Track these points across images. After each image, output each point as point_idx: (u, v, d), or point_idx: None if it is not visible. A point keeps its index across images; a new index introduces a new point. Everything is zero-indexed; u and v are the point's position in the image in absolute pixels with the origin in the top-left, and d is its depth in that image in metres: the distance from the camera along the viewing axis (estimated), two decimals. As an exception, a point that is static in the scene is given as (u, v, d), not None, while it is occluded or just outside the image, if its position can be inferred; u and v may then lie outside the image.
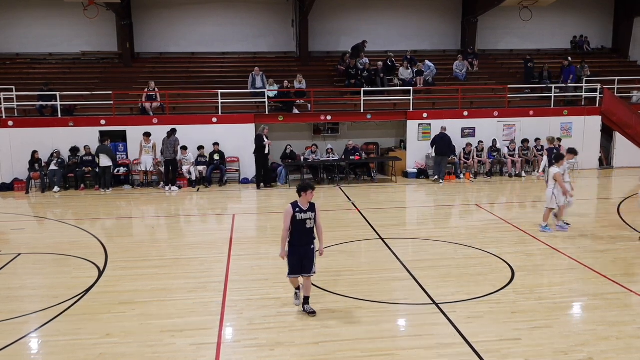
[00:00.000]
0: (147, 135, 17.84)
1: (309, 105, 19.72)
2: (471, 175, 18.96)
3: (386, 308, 8.09)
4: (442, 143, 18.22)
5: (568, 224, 12.49)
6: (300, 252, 7.61)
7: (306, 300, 7.84)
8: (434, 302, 8.19)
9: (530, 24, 24.50)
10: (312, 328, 7.40)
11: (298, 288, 8.00)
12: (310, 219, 7.58)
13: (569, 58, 22.95)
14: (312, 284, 8.14)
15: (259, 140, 17.65)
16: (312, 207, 7.62)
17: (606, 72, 22.99)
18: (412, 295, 8.53)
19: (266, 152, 17.66)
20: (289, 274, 7.77)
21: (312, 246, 7.68)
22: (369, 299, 8.35)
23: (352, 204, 15.21)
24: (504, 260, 10.12)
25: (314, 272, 7.78)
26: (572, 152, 12.88)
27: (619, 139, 20.48)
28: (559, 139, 18.17)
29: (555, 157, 12.31)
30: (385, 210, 14.57)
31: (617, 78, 22.11)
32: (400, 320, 7.86)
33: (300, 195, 7.60)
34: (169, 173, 17.63)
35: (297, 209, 7.53)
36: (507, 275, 9.38)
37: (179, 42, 23.94)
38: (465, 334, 7.14)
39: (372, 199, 15.94)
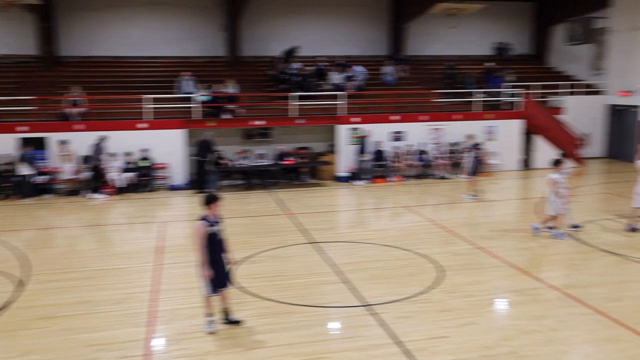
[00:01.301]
0: (63, 142, 17.24)
1: (241, 111, 19.57)
2: (400, 178, 19.33)
3: (318, 312, 8.12)
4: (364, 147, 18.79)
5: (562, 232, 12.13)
6: (220, 266, 7.38)
7: (228, 311, 7.67)
8: (365, 304, 8.28)
9: (455, 30, 25.28)
10: (243, 335, 7.33)
11: (212, 314, 7.47)
12: (220, 230, 7.40)
13: (493, 63, 23.83)
14: (241, 293, 8.06)
15: (205, 145, 17.50)
16: (220, 219, 7.46)
17: (527, 78, 24.01)
18: (343, 298, 8.59)
19: (214, 158, 17.64)
20: (210, 293, 7.36)
21: (226, 258, 7.50)
22: (301, 304, 8.35)
23: (284, 208, 15.19)
24: (433, 260, 10.36)
25: (231, 285, 7.66)
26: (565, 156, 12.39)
27: (539, 141, 21.42)
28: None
29: (555, 161, 12.02)
30: (317, 214, 14.63)
31: (536, 83, 23.16)
32: (332, 323, 7.91)
33: (208, 208, 7.33)
34: (95, 180, 17.04)
35: (209, 223, 7.28)
36: (436, 274, 9.61)
37: (106, 45, 23.19)
38: (396, 334, 7.27)
39: (304, 203, 15.98)
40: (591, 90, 24.55)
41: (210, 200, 7.35)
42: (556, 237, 11.77)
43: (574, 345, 7.06)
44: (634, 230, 12.20)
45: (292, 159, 19.30)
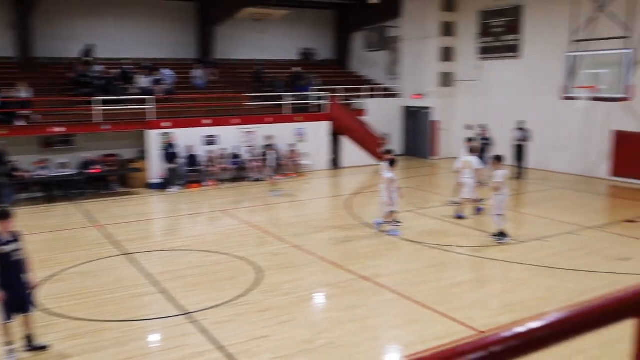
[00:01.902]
0: None
1: (36, 117, 17.88)
2: (215, 182, 19.18)
3: (135, 326, 7.72)
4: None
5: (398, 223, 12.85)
6: (17, 289, 6.67)
7: (31, 337, 6.96)
8: (184, 313, 8.06)
9: (263, 35, 25.79)
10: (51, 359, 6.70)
11: (12, 342, 6.73)
12: (17, 249, 6.69)
13: (299, 68, 24.72)
14: (46, 315, 7.38)
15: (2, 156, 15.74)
16: (15, 236, 6.75)
17: (331, 82, 25.30)
18: (161, 309, 8.28)
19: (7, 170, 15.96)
20: (5, 320, 6.62)
21: (26, 281, 6.82)
22: (115, 319, 7.88)
23: (92, 220, 14.21)
24: (251, 262, 10.43)
25: (33, 309, 7.01)
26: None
27: (345, 141, 22.70)
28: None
29: (390, 162, 12.54)
30: (129, 224, 13.93)
31: (340, 87, 24.51)
32: (150, 336, 7.58)
33: None
34: None
35: (1, 242, 6.57)
36: (254, 276, 9.68)
37: None
38: (217, 339, 7.18)
39: (114, 213, 15.11)
40: (388, 93, 26.63)
41: (0, 217, 6.60)
42: (392, 233, 12.27)
43: (384, 330, 7.58)
44: (460, 218, 13.51)
45: (98, 167, 18.13)
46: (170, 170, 18.40)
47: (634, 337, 1.32)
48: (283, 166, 20.58)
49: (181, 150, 18.81)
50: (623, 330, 1.35)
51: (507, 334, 1.17)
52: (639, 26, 15.02)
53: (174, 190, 18.25)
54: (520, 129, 19.12)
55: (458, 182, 13.98)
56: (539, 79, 20.71)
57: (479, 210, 13.92)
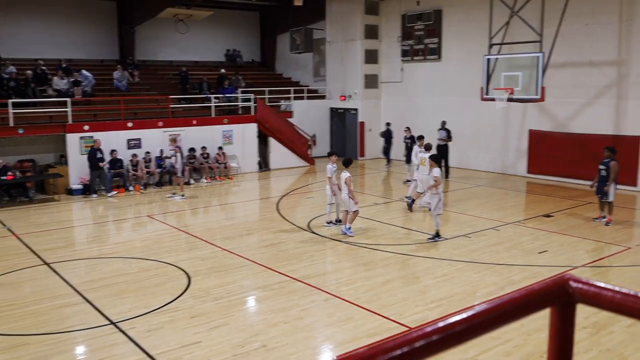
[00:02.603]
0: None
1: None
2: (141, 187, 18.70)
3: (59, 338, 7.42)
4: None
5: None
6: None
7: None
8: (112, 322, 7.83)
9: (187, 36, 25.32)
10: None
11: None
12: None
13: (223, 70, 24.48)
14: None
15: None
16: None
17: (258, 83, 25.24)
18: (87, 319, 8.00)
19: None
20: None
21: None
22: (37, 333, 7.54)
23: (8, 229, 13.53)
24: (180, 268, 10.26)
25: None
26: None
27: (273, 143, 22.69)
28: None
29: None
30: (50, 232, 13.36)
31: (267, 89, 24.48)
32: (76, 347, 7.31)
33: None
34: None
35: None
36: (184, 281, 9.53)
37: None
38: (146, 347, 7.02)
39: (32, 222, 14.45)
40: (315, 95, 26.84)
41: None
42: (347, 232, 12.26)
43: (317, 330, 7.65)
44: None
45: (11, 173, 17.25)
46: (95, 176, 17.76)
47: (549, 325, 1.42)
48: (212, 169, 20.37)
49: (104, 154, 18.19)
50: (545, 319, 1.45)
51: (431, 328, 1.23)
52: (549, 31, 15.86)
53: (96, 196, 17.65)
54: (443, 129, 19.76)
55: (413, 178, 14.62)
56: (460, 80, 21.48)
57: (411, 206, 14.48)
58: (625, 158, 16.76)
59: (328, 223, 13.14)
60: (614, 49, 17.21)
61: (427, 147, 14.57)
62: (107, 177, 18.05)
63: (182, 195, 16.95)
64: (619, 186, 13.64)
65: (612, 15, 17.14)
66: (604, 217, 13.18)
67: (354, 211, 12.23)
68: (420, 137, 15.89)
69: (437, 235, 11.92)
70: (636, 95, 16.85)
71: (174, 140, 17.63)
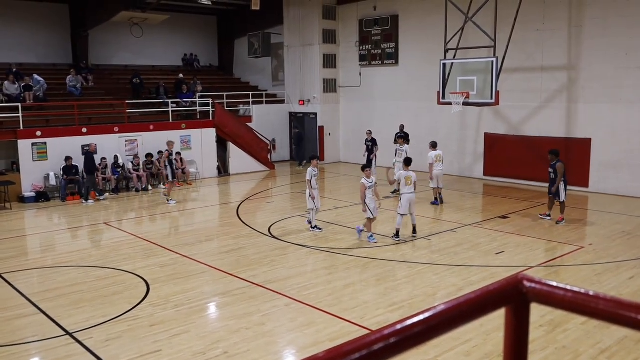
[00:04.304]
0: None
1: None
2: (97, 194, 18.29)
3: (10, 351, 7.19)
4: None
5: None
6: None
7: None
8: (68, 333, 7.63)
9: (143, 40, 24.99)
10: None
11: None
12: None
13: (181, 75, 24.22)
14: None
15: None
16: None
17: (216, 88, 25.04)
18: (41, 331, 7.78)
19: None
20: None
21: None
22: (-12, 346, 7.30)
23: (-42, 239, 13.06)
24: (138, 275, 10.08)
25: None
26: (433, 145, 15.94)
27: (232, 148, 22.55)
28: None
29: (364, 167, 12.32)
30: (1, 242, 12.95)
31: (225, 93, 24.32)
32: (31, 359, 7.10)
33: None
34: None
35: None
36: (143, 289, 9.37)
37: None
38: (105, 358, 6.87)
39: (-17, 231, 13.99)
40: (274, 99, 26.80)
41: None
42: (369, 240, 12.05)
43: (279, 335, 7.63)
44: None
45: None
46: (92, 180, 17.75)
47: (505, 324, 1.46)
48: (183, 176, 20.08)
49: (58, 161, 17.76)
50: (503, 319, 1.49)
51: (389, 330, 1.25)
52: (502, 36, 16.24)
53: (92, 202, 17.51)
54: (401, 132, 19.96)
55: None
56: (417, 85, 21.79)
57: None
58: (576, 160, 17.32)
59: (312, 228, 13.08)
60: (564, 55, 17.76)
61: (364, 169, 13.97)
62: (60, 184, 17.64)
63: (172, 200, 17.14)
64: (571, 187, 14.07)
65: (562, 22, 17.69)
66: (548, 216, 13.75)
67: (367, 218, 12.01)
68: (400, 137, 17.47)
69: (397, 234, 12.11)
70: (586, 99, 17.41)
71: (171, 144, 17.62)
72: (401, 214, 12.13)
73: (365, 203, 11.71)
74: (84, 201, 17.45)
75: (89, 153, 17.76)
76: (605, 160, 17.07)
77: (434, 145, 16.17)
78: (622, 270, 10.00)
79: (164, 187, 19.51)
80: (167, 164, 17.13)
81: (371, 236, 12.02)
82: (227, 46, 29.91)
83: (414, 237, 12.38)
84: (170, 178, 17.13)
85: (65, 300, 8.96)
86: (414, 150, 20.39)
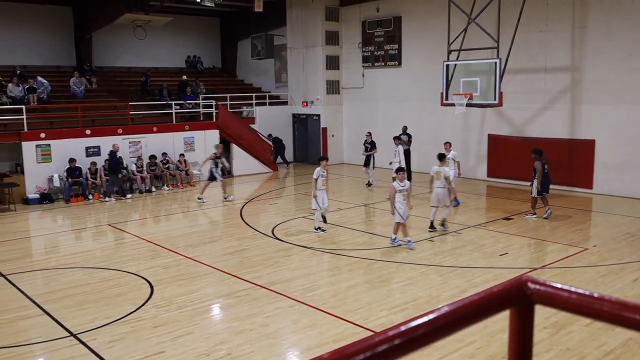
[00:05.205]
0: None
1: None
2: (100, 195, 18.34)
3: (15, 352, 7.21)
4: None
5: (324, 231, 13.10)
6: None
7: None
8: (72, 334, 7.65)
9: (146, 42, 25.05)
10: None
11: None
12: None
13: (184, 77, 24.26)
14: None
15: None
16: None
17: (219, 90, 25.07)
18: (46, 332, 7.80)
19: None
20: None
21: None
22: (-7, 347, 7.32)
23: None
24: (142, 277, 10.10)
25: None
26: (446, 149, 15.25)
27: (235, 149, 22.57)
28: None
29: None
30: (5, 243, 12.99)
31: (228, 95, 24.34)
32: (34, 362, 7.12)
33: None
34: None
35: None
36: (147, 291, 9.39)
37: None
38: (109, 359, 6.89)
39: (-13, 233, 14.03)
40: (277, 100, 26.81)
41: None
42: (392, 242, 11.86)
43: (282, 337, 7.63)
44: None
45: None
46: (116, 180, 18.15)
47: (509, 326, 1.46)
48: (174, 176, 20.15)
49: (62, 162, 17.80)
50: (507, 320, 1.49)
51: (393, 332, 1.25)
52: (505, 37, 16.22)
53: (113, 200, 17.89)
54: (404, 133, 19.97)
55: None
56: (420, 86, 21.77)
57: None
58: (580, 161, 17.29)
59: (316, 229, 13.07)
60: (567, 56, 17.72)
61: (440, 157, 13.07)
62: (65, 185, 17.69)
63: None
64: (575, 188, 14.06)
65: (565, 23, 17.66)
66: (534, 214, 14.15)
67: (396, 222, 11.69)
68: (398, 137, 17.76)
69: (431, 226, 12.98)
70: (590, 100, 17.37)
71: (219, 146, 18.17)
72: (431, 206, 12.97)
73: (394, 206, 11.53)
74: (107, 198, 17.93)
75: (113, 153, 18.09)
76: (609, 161, 17.03)
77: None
78: (627, 272, 9.97)
79: (167, 188, 19.56)
80: (212, 165, 17.64)
81: (409, 241, 11.62)
82: (230, 48, 29.94)
83: (445, 230, 13.01)
84: (214, 179, 17.64)
85: (70, 301, 8.98)
86: (417, 152, 20.43)
